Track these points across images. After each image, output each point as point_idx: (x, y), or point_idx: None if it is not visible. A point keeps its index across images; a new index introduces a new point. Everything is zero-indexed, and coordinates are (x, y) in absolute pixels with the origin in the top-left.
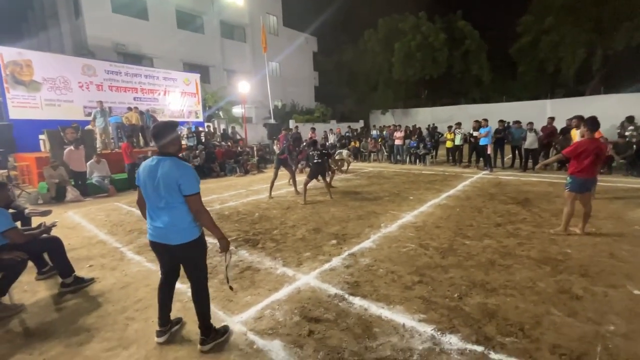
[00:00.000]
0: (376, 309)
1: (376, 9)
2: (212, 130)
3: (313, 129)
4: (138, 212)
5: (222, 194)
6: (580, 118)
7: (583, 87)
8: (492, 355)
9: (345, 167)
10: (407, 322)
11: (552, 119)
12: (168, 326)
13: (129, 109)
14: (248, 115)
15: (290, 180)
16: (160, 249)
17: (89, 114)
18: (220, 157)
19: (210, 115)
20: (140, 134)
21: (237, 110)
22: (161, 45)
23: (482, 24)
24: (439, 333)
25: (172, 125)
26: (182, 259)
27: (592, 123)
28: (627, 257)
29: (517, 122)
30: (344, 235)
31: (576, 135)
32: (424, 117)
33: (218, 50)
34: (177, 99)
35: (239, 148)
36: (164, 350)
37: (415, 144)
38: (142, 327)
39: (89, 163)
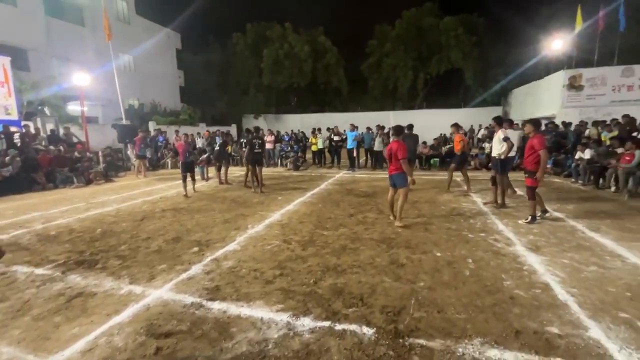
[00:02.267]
0: (235, 308)
1: (243, 12)
2: (32, 131)
3: (185, 134)
4: None
5: (49, 211)
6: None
7: (413, 102)
8: (337, 326)
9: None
10: (264, 315)
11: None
12: None
13: None
14: (92, 115)
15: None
16: None
17: None
18: (46, 164)
19: (32, 112)
20: None
21: (73, 108)
22: None
23: (339, 41)
24: (294, 318)
25: None
26: None
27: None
28: (435, 229)
29: (368, 129)
30: (207, 241)
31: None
32: (294, 123)
33: (41, 30)
34: None
35: (76, 153)
36: None
37: (286, 148)
38: None
39: None
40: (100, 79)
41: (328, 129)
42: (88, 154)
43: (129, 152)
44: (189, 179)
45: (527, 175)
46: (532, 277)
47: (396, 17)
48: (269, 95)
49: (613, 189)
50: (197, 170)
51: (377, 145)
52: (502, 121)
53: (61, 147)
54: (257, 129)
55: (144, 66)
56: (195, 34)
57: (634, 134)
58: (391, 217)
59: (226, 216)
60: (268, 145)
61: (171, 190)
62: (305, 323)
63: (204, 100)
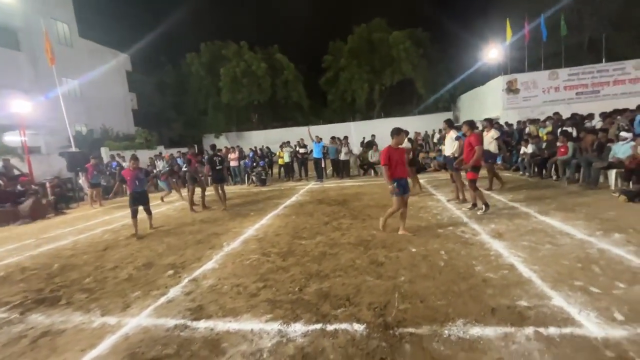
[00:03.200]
0: (223, 324)
1: (195, 32)
2: None
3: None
4: None
5: None
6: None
7: (371, 112)
8: (329, 327)
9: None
10: (254, 326)
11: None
12: None
13: None
14: (34, 145)
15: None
16: None
17: None
18: None
19: None
20: None
21: (11, 139)
22: None
23: (295, 57)
24: (284, 326)
25: None
26: None
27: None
28: (407, 228)
29: (332, 139)
30: (182, 263)
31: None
32: (258, 139)
33: None
34: None
35: (19, 187)
36: None
37: (249, 164)
38: None
39: None
40: (42, 106)
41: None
42: (33, 186)
43: (80, 181)
44: (142, 214)
45: (467, 170)
46: (499, 260)
47: (348, 33)
48: (229, 113)
49: (554, 177)
50: (161, 185)
51: (343, 155)
52: (452, 123)
53: (0, 182)
54: (214, 146)
55: (92, 90)
56: (145, 55)
57: (565, 128)
58: (402, 231)
59: (198, 237)
60: (232, 163)
61: None
62: (297, 329)
63: (160, 122)
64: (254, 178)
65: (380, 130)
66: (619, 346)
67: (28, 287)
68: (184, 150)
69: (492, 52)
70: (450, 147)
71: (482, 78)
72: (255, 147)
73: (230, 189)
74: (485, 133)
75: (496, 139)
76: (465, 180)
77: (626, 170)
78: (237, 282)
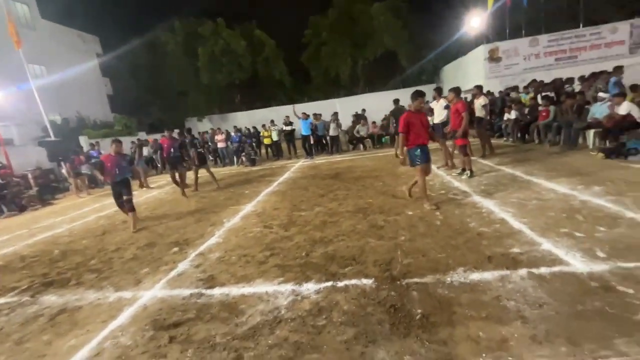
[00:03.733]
0: (237, 290)
1: (167, 10)
2: None
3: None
4: None
5: None
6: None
7: (356, 88)
8: (339, 284)
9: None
10: (268, 289)
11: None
12: None
13: None
14: (7, 137)
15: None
16: None
17: None
18: None
19: None
20: None
21: None
22: None
23: (275, 33)
24: (297, 286)
25: None
26: None
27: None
28: (402, 195)
29: (315, 115)
30: (185, 240)
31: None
32: (242, 120)
33: None
34: None
35: None
36: None
37: (237, 139)
38: None
39: None
40: (12, 96)
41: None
42: (15, 178)
43: (63, 171)
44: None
45: (457, 136)
46: (491, 216)
47: (327, 6)
48: (211, 94)
49: (537, 141)
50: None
51: (332, 131)
52: (441, 92)
53: None
54: (189, 130)
55: (62, 76)
56: (116, 36)
57: (545, 93)
58: (427, 205)
59: (197, 216)
60: (220, 144)
61: None
62: (309, 287)
63: (138, 107)
64: (243, 158)
65: (365, 105)
66: (602, 278)
67: (32, 273)
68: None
69: (474, 21)
70: (439, 115)
71: (464, 48)
72: (240, 128)
73: (220, 170)
74: (475, 100)
75: (483, 105)
76: (452, 147)
77: (603, 130)
78: (244, 253)
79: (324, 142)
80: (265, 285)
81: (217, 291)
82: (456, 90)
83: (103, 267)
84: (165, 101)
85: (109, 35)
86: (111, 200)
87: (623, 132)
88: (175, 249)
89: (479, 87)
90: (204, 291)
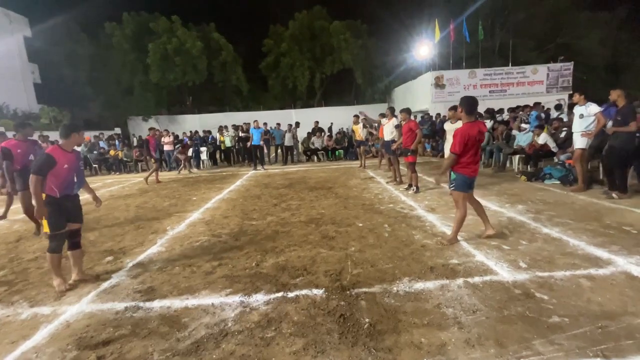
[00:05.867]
0: (180, 302)
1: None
2: None
3: (44, 137)
4: None
5: None
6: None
7: (312, 100)
8: (290, 294)
9: None
10: (215, 300)
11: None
12: None
13: None
14: None
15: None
16: None
17: None
18: None
19: None
20: None
21: None
22: None
23: (234, 39)
24: (246, 297)
25: None
26: None
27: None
28: (352, 207)
29: (278, 124)
30: (121, 248)
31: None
32: (192, 123)
33: None
34: None
35: None
36: None
37: (199, 143)
38: None
39: None
40: None
41: (234, 126)
42: None
43: None
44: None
45: (408, 154)
46: (433, 229)
47: (288, 18)
48: (159, 94)
49: None
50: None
51: (288, 141)
52: (394, 111)
53: None
54: None
55: None
56: (50, 19)
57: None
58: (490, 231)
59: (136, 222)
60: (167, 147)
61: None
62: (259, 298)
63: (73, 100)
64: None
65: (321, 118)
66: (524, 285)
67: None
68: (109, 132)
69: (423, 49)
70: (389, 133)
71: (414, 72)
72: (192, 132)
73: (165, 175)
74: (386, 121)
75: (396, 126)
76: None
77: (526, 156)
78: (188, 263)
79: (281, 151)
80: (212, 297)
81: (157, 304)
82: (408, 111)
83: (16, 279)
84: (107, 96)
85: (42, 18)
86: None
87: (541, 159)
88: (109, 257)
89: (392, 110)
90: (141, 304)
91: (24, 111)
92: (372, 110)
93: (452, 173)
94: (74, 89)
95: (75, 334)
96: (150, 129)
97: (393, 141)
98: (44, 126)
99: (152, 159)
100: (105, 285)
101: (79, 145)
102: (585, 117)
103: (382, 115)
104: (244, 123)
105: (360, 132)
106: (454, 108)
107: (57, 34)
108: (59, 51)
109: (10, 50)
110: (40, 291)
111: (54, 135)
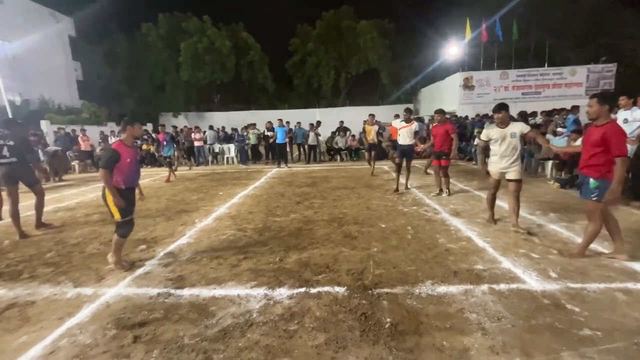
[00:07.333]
0: (208, 292)
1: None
2: None
3: (83, 131)
4: None
5: None
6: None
7: (336, 100)
8: (312, 290)
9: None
10: (240, 292)
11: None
12: None
13: None
14: None
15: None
16: None
17: None
18: None
19: None
20: None
21: None
22: None
23: (262, 38)
24: (270, 290)
25: None
26: None
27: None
28: (376, 208)
29: (298, 123)
30: (153, 238)
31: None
32: (220, 120)
33: None
34: None
35: None
36: None
37: (241, 137)
38: None
39: None
40: None
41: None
42: None
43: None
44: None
45: (444, 157)
46: (458, 234)
47: (316, 17)
48: (189, 91)
49: None
50: None
51: (312, 140)
52: (411, 112)
53: None
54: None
55: (26, 55)
56: (93, 20)
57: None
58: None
59: (167, 214)
60: (197, 143)
61: (88, 195)
62: (282, 292)
63: (110, 96)
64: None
65: (345, 117)
66: (554, 296)
67: None
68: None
69: (452, 49)
70: (407, 137)
71: (442, 73)
72: (218, 128)
73: (194, 169)
74: (403, 124)
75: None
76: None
77: (560, 162)
78: (215, 255)
79: (303, 150)
80: (237, 288)
81: (186, 292)
82: (442, 112)
83: (61, 261)
84: (140, 93)
85: (86, 19)
86: (71, 190)
87: (577, 165)
88: (143, 246)
89: (409, 111)
90: (172, 291)
91: (68, 106)
92: (398, 111)
93: (593, 180)
94: (112, 86)
95: (114, 314)
96: (161, 126)
97: (409, 146)
98: (85, 120)
99: (163, 156)
100: (139, 271)
101: (136, 138)
102: (630, 122)
103: (397, 116)
104: (268, 122)
105: (373, 134)
106: (440, 111)
107: (98, 34)
108: (99, 50)
109: (57, 48)
110: (83, 273)
111: (91, 130)
